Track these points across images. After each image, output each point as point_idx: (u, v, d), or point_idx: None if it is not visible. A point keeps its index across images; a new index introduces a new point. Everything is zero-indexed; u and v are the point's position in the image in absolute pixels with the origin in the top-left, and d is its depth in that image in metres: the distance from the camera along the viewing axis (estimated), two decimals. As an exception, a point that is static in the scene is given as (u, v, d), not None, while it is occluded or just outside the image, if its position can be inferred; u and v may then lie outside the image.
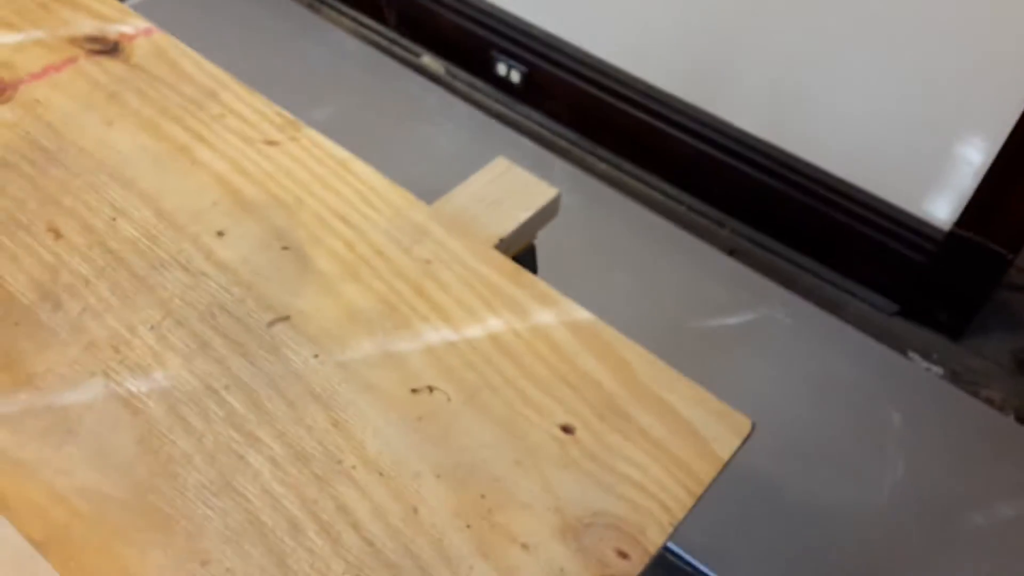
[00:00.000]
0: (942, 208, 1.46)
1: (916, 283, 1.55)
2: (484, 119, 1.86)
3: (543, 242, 1.76)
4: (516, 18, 1.78)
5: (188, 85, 0.79)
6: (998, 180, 1.36)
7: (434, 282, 0.65)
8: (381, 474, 0.54)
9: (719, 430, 0.60)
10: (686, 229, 1.69)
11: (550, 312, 0.65)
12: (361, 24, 2.05)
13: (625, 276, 1.59)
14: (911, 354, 1.53)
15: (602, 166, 1.81)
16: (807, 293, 1.61)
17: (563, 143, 1.84)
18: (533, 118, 1.87)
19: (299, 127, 0.77)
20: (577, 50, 1.73)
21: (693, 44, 1.57)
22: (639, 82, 1.68)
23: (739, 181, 1.65)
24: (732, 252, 1.67)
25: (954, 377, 1.51)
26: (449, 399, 0.59)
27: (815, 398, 1.43)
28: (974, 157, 1.38)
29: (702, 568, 1.20)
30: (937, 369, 1.52)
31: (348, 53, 1.97)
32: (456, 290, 0.65)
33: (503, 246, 0.74)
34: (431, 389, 0.59)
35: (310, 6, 2.09)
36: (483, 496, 0.54)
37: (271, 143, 0.75)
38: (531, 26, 1.77)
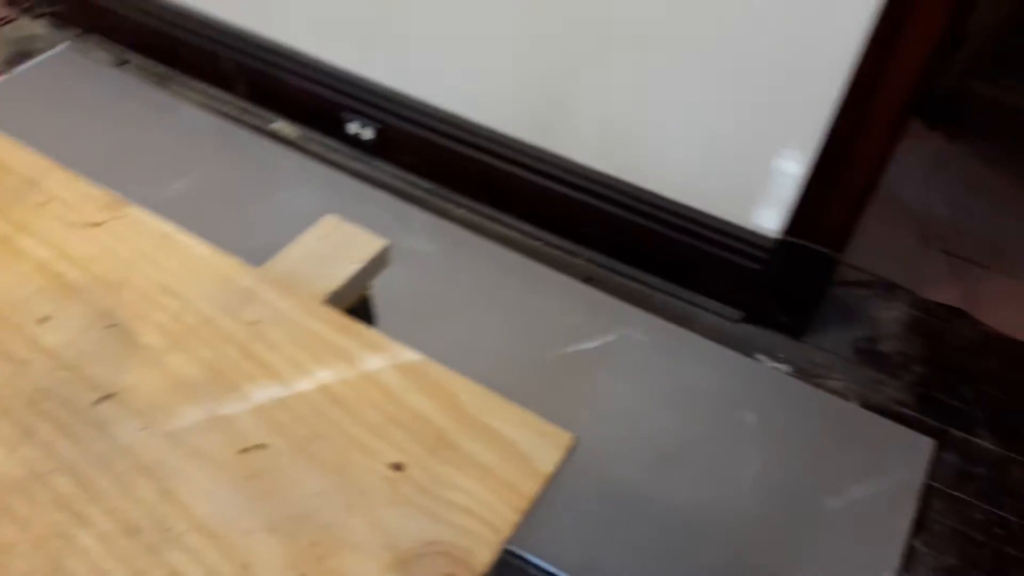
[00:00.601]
0: (770, 219, 1.58)
1: (755, 290, 1.66)
2: (341, 178, 1.89)
3: (407, 291, 1.82)
4: (363, 79, 1.83)
5: (8, 177, 0.80)
6: (815, 188, 1.49)
7: (262, 342, 0.68)
8: (212, 536, 0.56)
9: (542, 448, 0.65)
10: (544, 263, 1.76)
11: (380, 358, 0.69)
12: (211, 96, 2.06)
13: (490, 314, 1.64)
14: (758, 356, 1.64)
15: (460, 212, 1.86)
16: (660, 310, 1.70)
17: (420, 193, 1.89)
18: (389, 172, 1.92)
19: (122, 206, 0.78)
20: (424, 104, 1.79)
21: (528, 90, 1.66)
22: (484, 129, 1.76)
23: (587, 213, 1.74)
24: (588, 280, 1.75)
25: (800, 373, 1.62)
26: (280, 454, 0.61)
27: (675, 407, 1.51)
28: (792, 169, 1.50)
29: (581, 585, 1.25)
30: (784, 367, 1.62)
31: (199, 126, 1.98)
32: (285, 347, 0.68)
33: (334, 299, 0.77)
34: (261, 447, 0.61)
35: (158, 83, 2.08)
36: (315, 544, 0.57)
37: (95, 224, 0.76)
38: (378, 85, 1.82)
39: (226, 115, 2.02)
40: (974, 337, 1.75)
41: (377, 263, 0.82)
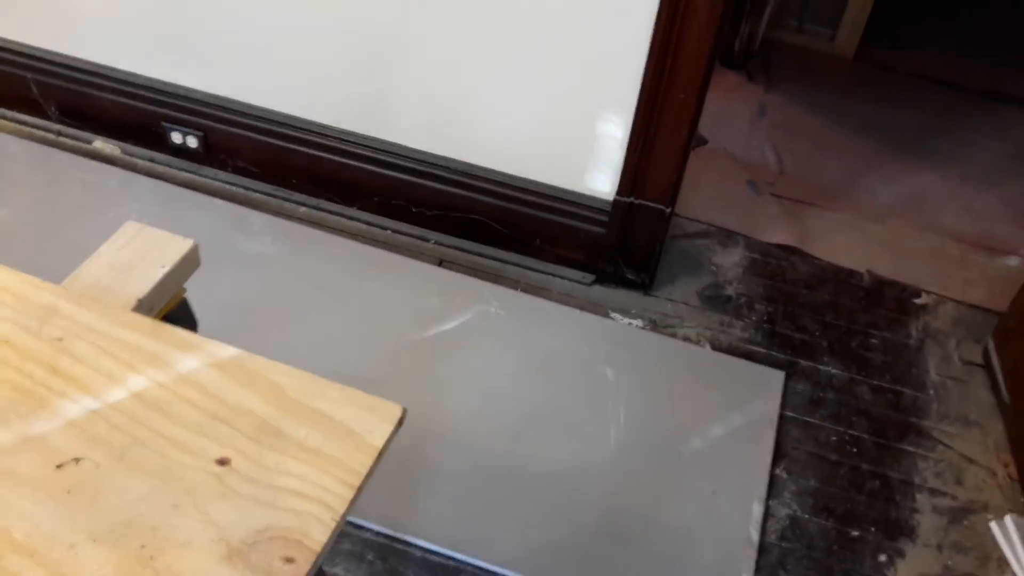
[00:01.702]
0: (603, 182, 1.63)
1: (601, 252, 1.71)
2: (171, 190, 1.83)
3: (255, 294, 1.77)
4: (179, 87, 1.77)
5: None
6: (639, 147, 1.54)
7: (69, 357, 0.65)
8: (33, 555, 0.54)
9: (372, 422, 0.65)
10: (394, 251, 1.76)
11: (194, 358, 0.67)
12: (22, 123, 1.94)
13: (344, 308, 1.62)
14: (613, 314, 1.69)
15: (302, 210, 1.83)
16: (514, 284, 1.73)
17: (259, 196, 1.85)
18: (221, 179, 1.86)
19: (-101, 238, 0.73)
20: (248, 106, 1.75)
21: (351, 80, 1.64)
22: (314, 124, 1.73)
23: (429, 197, 1.74)
24: (441, 263, 1.76)
25: (653, 326, 1.68)
26: (98, 465, 0.59)
27: (538, 375, 1.54)
28: (615, 133, 1.55)
29: (460, 557, 1.26)
30: (637, 322, 1.68)
31: (13, 154, 1.86)
32: (93, 359, 0.66)
33: (143, 306, 0.75)
34: (77, 460, 0.59)
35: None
36: (143, 547, 0.55)
37: None
38: (195, 91, 1.76)
39: (42, 140, 1.91)
40: (809, 271, 1.86)
41: (187, 264, 0.80)
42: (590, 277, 1.75)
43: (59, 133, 1.93)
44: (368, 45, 1.58)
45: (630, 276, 1.73)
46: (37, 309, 0.69)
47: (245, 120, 1.76)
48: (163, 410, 0.63)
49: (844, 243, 1.94)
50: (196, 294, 1.67)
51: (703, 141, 2.17)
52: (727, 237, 1.91)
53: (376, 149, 1.72)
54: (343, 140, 1.72)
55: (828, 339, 1.71)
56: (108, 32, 1.75)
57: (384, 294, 1.66)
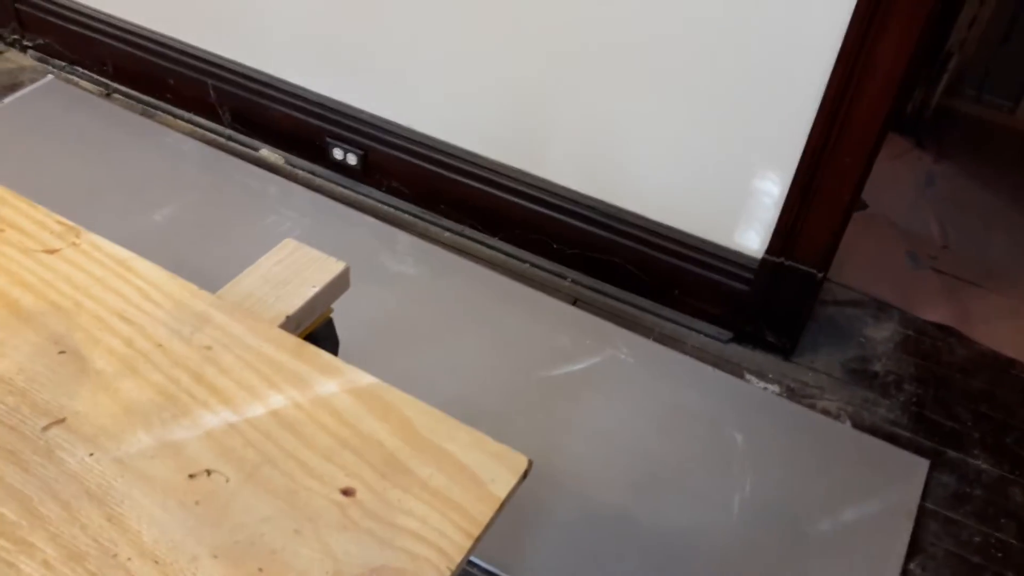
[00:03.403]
0: (753, 239, 1.57)
1: (743, 310, 1.65)
2: (327, 203, 1.89)
3: (393, 314, 1.79)
4: (345, 105, 1.84)
5: (-39, 205, 0.79)
6: (795, 209, 1.48)
7: (215, 367, 0.67)
8: (157, 562, 0.55)
9: (497, 471, 0.63)
10: (530, 285, 1.76)
11: (333, 382, 0.67)
12: (197, 125, 2.06)
13: (476, 336, 1.63)
14: (748, 376, 1.62)
15: (446, 235, 1.86)
16: (647, 332, 1.69)
17: (407, 217, 1.89)
18: (375, 197, 1.92)
19: (79, 233, 0.78)
20: (406, 129, 1.79)
21: (508, 115, 1.66)
22: (467, 153, 1.76)
23: (572, 235, 1.73)
24: (575, 302, 1.74)
25: (790, 393, 1.60)
26: (228, 480, 0.60)
27: (663, 429, 1.49)
28: (772, 190, 1.49)
29: (563, 613, 1.22)
30: (773, 388, 1.61)
31: (185, 154, 1.98)
32: (237, 372, 0.67)
33: (291, 323, 0.76)
34: (209, 472, 0.60)
35: (144, 112, 2.09)
36: (260, 570, 0.55)
37: (51, 251, 0.75)
38: (360, 111, 1.82)
39: (212, 143, 2.02)
40: (967, 355, 1.73)
41: (337, 285, 0.81)
42: (728, 334, 1.69)
43: (229, 138, 2.04)
44: (530, 84, 1.59)
45: (771, 339, 1.66)
46: (191, 316, 0.71)
47: (402, 143, 1.80)
48: (297, 431, 0.63)
49: (1008, 330, 1.79)
50: (339, 307, 1.72)
51: (864, 205, 2.07)
52: (880, 309, 1.81)
53: (524, 183, 1.72)
54: (493, 171, 1.74)
55: (981, 431, 1.59)
56: (284, 46, 1.84)
57: (516, 327, 1.66)
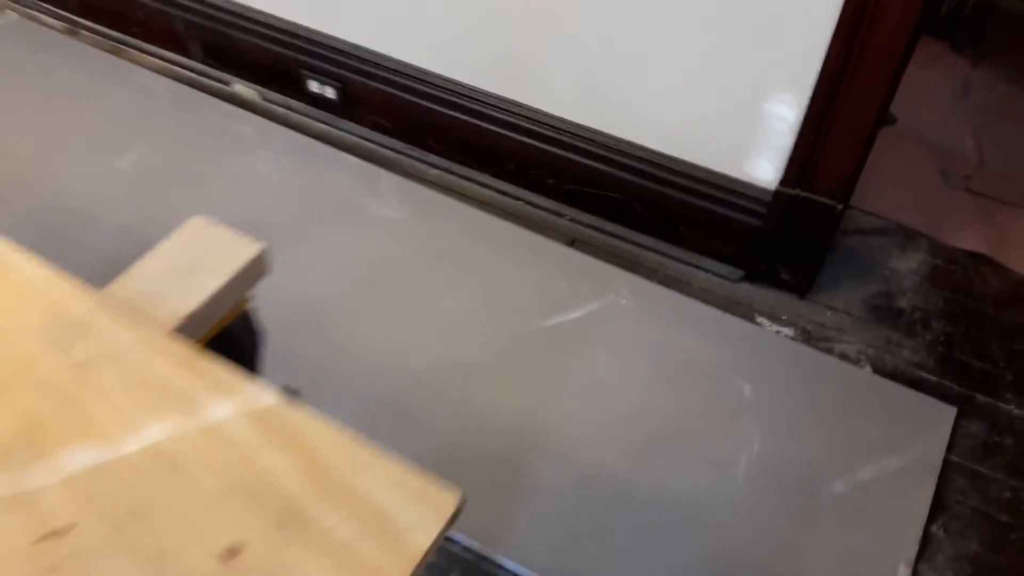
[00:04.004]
0: (766, 169, 1.42)
1: (755, 246, 1.51)
2: (305, 141, 1.76)
3: (376, 261, 1.63)
4: (319, 33, 1.68)
5: None
6: (812, 135, 1.33)
7: (89, 389, 0.57)
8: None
9: (419, 515, 0.53)
10: (524, 225, 1.63)
11: (228, 403, 0.57)
12: (168, 61, 1.92)
13: (464, 285, 1.52)
14: (760, 319, 1.50)
15: (433, 172, 1.73)
16: (651, 273, 1.56)
17: (391, 154, 1.76)
18: (356, 133, 1.78)
19: (-57, 225, 0.66)
20: (387, 59, 1.64)
21: (499, 38, 1.50)
22: (454, 83, 1.61)
23: (569, 169, 1.59)
24: (573, 242, 1.61)
25: (806, 336, 1.48)
26: (88, 538, 0.50)
27: (664, 383, 1.38)
28: (786, 115, 1.34)
29: (553, 593, 1.14)
30: (787, 331, 1.48)
31: (155, 93, 1.85)
32: (115, 396, 0.56)
33: (193, 322, 0.65)
34: (65, 531, 0.50)
35: (112, 50, 1.95)
36: (116, 659, 0.46)
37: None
38: (336, 39, 1.67)
39: (184, 80, 1.89)
40: (1002, 286, 1.59)
41: (251, 272, 0.70)
42: (738, 273, 1.56)
43: (202, 74, 1.90)
44: (523, 4, 1.43)
45: (785, 276, 1.52)
46: (68, 323, 0.60)
47: (383, 73, 1.65)
48: (178, 471, 0.53)
49: (1049, 256, 1.64)
50: (321, 255, 1.59)
51: (892, 120, 1.89)
52: (908, 238, 1.66)
53: (515, 114, 1.58)
54: (484, 102, 1.59)
55: (1015, 372, 1.46)
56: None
57: (509, 273, 1.54)
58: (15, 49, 1.93)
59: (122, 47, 1.96)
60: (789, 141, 1.36)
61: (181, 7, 1.80)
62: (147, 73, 1.89)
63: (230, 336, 0.71)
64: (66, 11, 2.00)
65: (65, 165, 1.67)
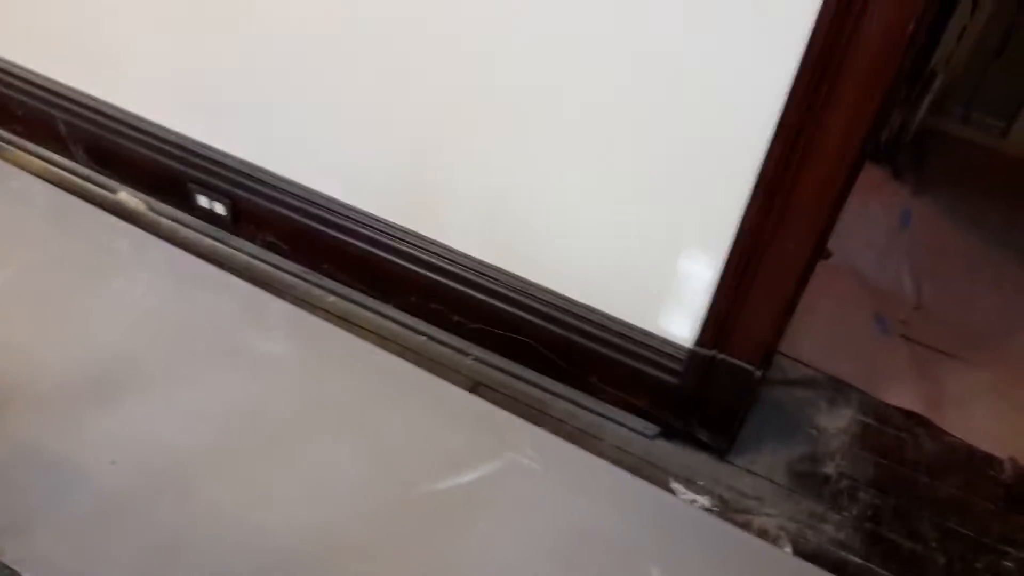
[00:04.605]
0: (681, 326, 1.30)
1: (671, 404, 1.38)
2: (189, 261, 1.61)
3: (252, 407, 1.52)
4: (208, 147, 1.55)
5: None
6: (728, 297, 1.21)
7: None
8: None
9: None
10: (425, 364, 1.48)
11: None
12: (50, 163, 1.77)
13: (350, 436, 1.36)
14: (674, 484, 1.36)
15: (330, 299, 1.58)
16: (559, 425, 1.42)
17: (285, 277, 1.61)
18: (248, 251, 1.64)
19: None
20: (280, 178, 1.51)
21: (399, 165, 1.38)
22: (352, 208, 1.48)
23: (475, 307, 1.46)
24: (476, 387, 1.47)
25: (723, 507, 1.34)
26: None
27: (564, 561, 1.23)
28: (701, 273, 1.22)
29: None
30: (703, 499, 1.34)
31: (31, 199, 1.69)
32: None
33: None
34: None
35: (-1, 143, 1.81)
36: None
37: None
38: (226, 155, 1.54)
39: (65, 184, 1.73)
40: (936, 451, 1.47)
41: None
42: (654, 429, 1.43)
43: (85, 178, 1.75)
44: (420, 130, 1.31)
45: (703, 437, 1.39)
46: None
47: (276, 193, 1.52)
48: None
49: (985, 415, 1.53)
50: (191, 398, 1.40)
51: (827, 254, 1.80)
52: (837, 391, 1.54)
53: (417, 246, 1.45)
54: (382, 231, 1.47)
55: (947, 554, 1.33)
56: (141, 80, 1.55)
57: (401, 423, 1.39)
58: None
59: (3, 144, 1.80)
60: (705, 300, 1.24)
61: (62, 108, 1.66)
62: (25, 176, 1.74)
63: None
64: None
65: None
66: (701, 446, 1.41)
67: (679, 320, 1.30)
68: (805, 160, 1.05)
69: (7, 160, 1.78)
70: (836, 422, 1.49)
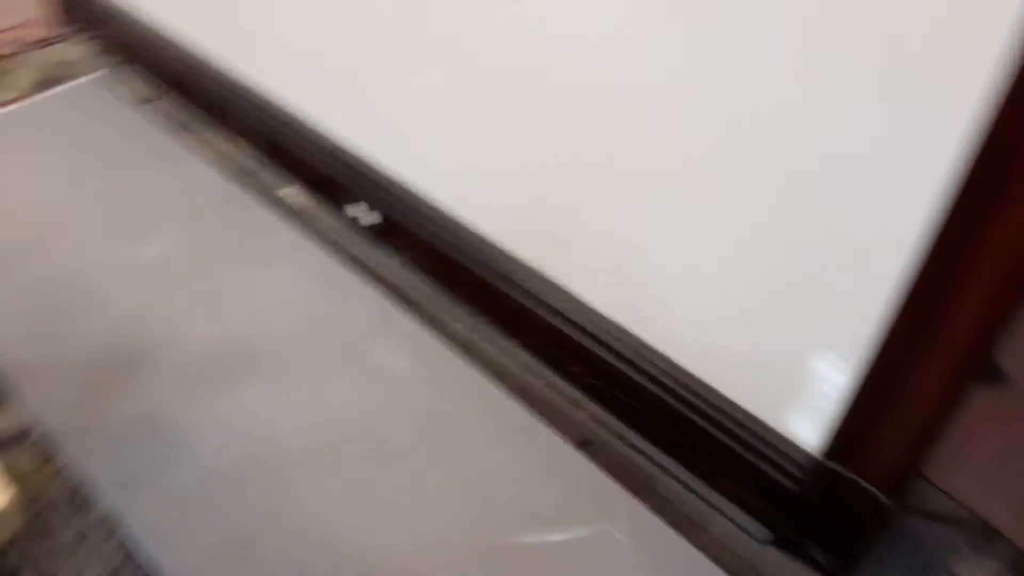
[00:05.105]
0: (807, 430, 1.18)
1: (787, 511, 1.26)
2: (334, 264, 1.64)
3: (361, 418, 1.50)
4: (374, 161, 1.59)
5: None
6: (864, 410, 1.09)
7: None
8: None
9: None
10: (538, 409, 1.44)
11: None
12: (230, 148, 1.88)
13: (448, 467, 1.34)
14: (774, 603, 1.24)
15: (457, 326, 1.57)
16: (663, 505, 1.33)
17: (419, 297, 1.62)
18: (391, 266, 1.66)
19: None
20: (426, 203, 1.53)
21: (542, 211, 1.35)
22: (492, 246, 1.46)
23: (593, 362, 1.40)
24: (584, 443, 1.41)
25: (824, 639, 1.20)
26: None
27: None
28: (835, 377, 1.10)
29: None
30: (805, 627, 1.22)
31: (203, 182, 1.80)
32: None
33: None
34: None
35: (181, 126, 1.93)
36: None
37: None
38: (382, 168, 1.57)
39: (238, 171, 1.83)
40: (1098, 630, 1.26)
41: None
42: (766, 534, 1.31)
43: (260, 169, 1.84)
44: (553, 164, 1.28)
45: (816, 556, 1.26)
46: None
47: (424, 215, 1.53)
48: None
49: None
50: (304, 396, 1.44)
51: (1001, 378, 1.60)
52: (986, 537, 1.35)
53: (547, 291, 1.41)
54: (514, 269, 1.44)
55: None
56: (313, 86, 1.61)
57: (502, 463, 1.35)
58: (83, 113, 1.94)
59: (191, 126, 1.93)
60: (836, 408, 1.12)
61: (248, 103, 1.76)
62: (202, 160, 1.85)
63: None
64: (152, 78, 2.00)
65: (87, 241, 1.63)
66: (815, 565, 1.27)
67: (805, 422, 1.18)
68: (965, 271, 0.92)
69: (185, 143, 1.90)
70: (976, 573, 1.31)
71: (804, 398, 1.16)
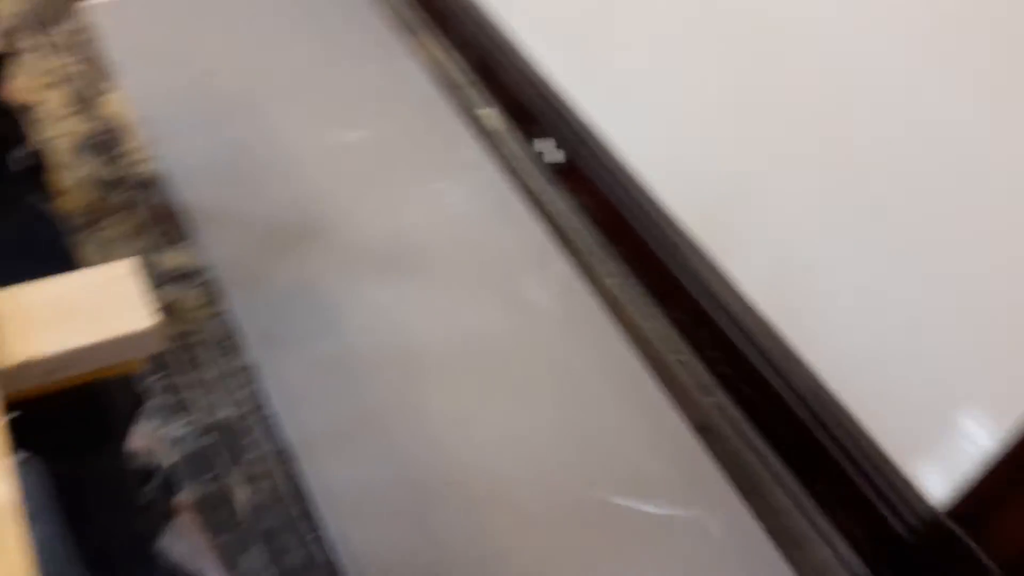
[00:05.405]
0: (935, 482, 1.11)
1: (895, 560, 1.20)
2: (508, 191, 1.68)
3: (490, 345, 1.52)
4: (574, 102, 1.60)
5: None
6: (1001, 479, 1.01)
7: None
8: None
9: None
10: (668, 385, 1.43)
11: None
12: (439, 61, 1.93)
13: (564, 409, 1.36)
14: (849, 644, 1.19)
15: (608, 280, 1.57)
16: (766, 511, 1.30)
17: (583, 242, 1.63)
18: (558, 206, 1.67)
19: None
20: (616, 158, 1.52)
21: (725, 193, 1.32)
22: (659, 208, 1.44)
23: (732, 352, 1.37)
24: (703, 429, 1.39)
25: None
26: None
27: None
28: (978, 437, 1.03)
29: None
30: (875, 676, 1.17)
31: (411, 83, 1.86)
32: None
33: (36, 370, 0.59)
34: None
35: (403, 27, 2.00)
36: None
37: None
38: (580, 107, 1.58)
39: (447, 81, 1.88)
40: None
41: (131, 344, 0.62)
42: (865, 573, 1.25)
43: (470, 83, 1.88)
44: (747, 156, 1.24)
45: (914, 612, 1.20)
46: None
47: (606, 169, 1.53)
48: None
49: None
50: (444, 313, 1.50)
51: None
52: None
53: (705, 267, 1.38)
54: (679, 239, 1.42)
55: None
56: (544, 23, 1.63)
57: (617, 426, 1.36)
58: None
59: (413, 28, 2.00)
60: (973, 469, 1.05)
61: (471, 16, 1.80)
62: (416, 63, 1.91)
63: (100, 395, 0.64)
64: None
65: (290, 111, 1.74)
66: (906, 617, 1.22)
67: (936, 475, 1.11)
68: None
69: (406, 43, 1.97)
70: None
71: (942, 450, 1.09)
